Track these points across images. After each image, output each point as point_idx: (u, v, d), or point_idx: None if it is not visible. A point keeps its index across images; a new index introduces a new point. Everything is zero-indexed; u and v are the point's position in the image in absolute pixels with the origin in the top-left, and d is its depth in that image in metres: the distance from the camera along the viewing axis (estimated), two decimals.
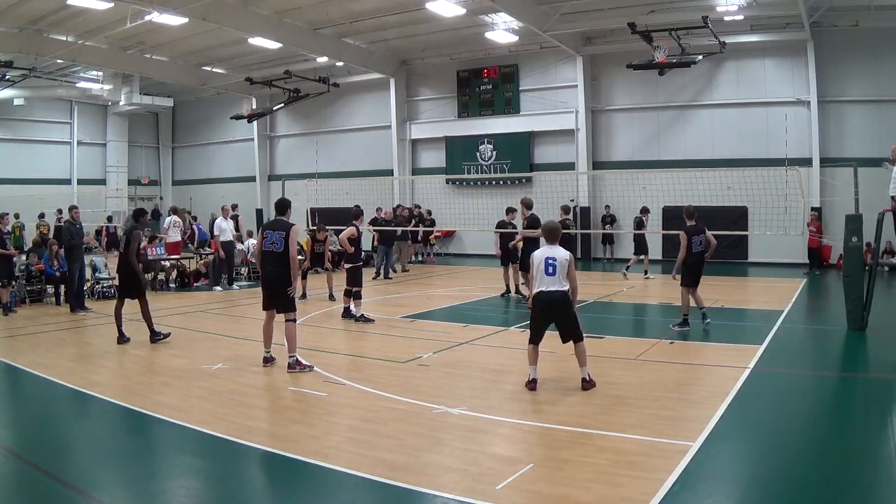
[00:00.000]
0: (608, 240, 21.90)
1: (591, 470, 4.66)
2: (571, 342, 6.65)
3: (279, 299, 7.58)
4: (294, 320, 7.59)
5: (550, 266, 6.50)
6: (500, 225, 14.00)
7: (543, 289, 6.53)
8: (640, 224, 16.90)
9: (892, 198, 9.42)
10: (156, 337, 9.20)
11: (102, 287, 13.77)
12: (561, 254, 6.57)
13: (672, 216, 19.05)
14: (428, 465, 4.85)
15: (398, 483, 4.46)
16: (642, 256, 16.78)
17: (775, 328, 9.88)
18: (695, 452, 4.92)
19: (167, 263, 15.67)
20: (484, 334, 9.73)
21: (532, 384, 6.63)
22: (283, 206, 7.95)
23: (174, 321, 10.99)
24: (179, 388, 6.98)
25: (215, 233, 15.80)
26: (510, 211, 13.84)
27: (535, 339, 6.67)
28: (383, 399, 6.44)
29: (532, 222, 12.25)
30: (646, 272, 16.59)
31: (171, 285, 15.51)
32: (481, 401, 6.38)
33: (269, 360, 7.77)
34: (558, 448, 5.14)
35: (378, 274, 17.05)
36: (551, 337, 9.67)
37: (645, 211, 16.97)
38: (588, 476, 4.55)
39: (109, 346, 9.14)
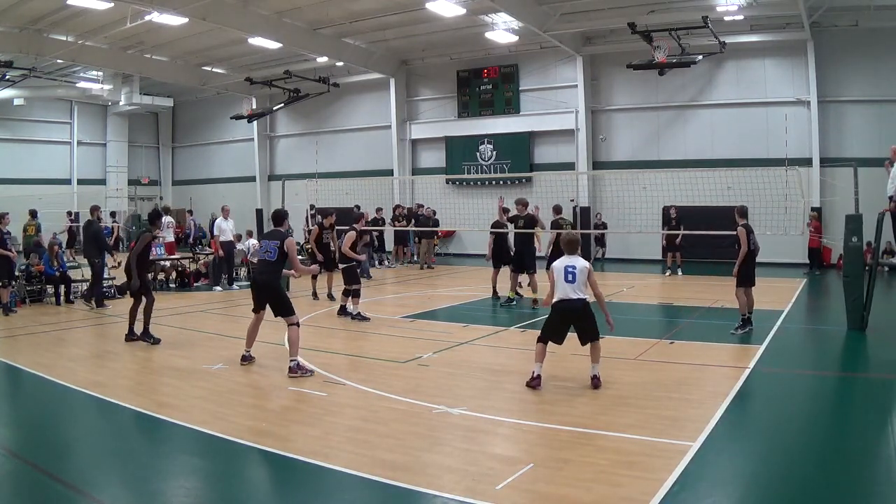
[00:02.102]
0: (600, 242, 21.81)
1: (591, 470, 4.66)
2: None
3: (277, 306, 7.62)
4: (297, 324, 7.54)
5: (570, 274, 6.65)
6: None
7: (564, 297, 6.66)
8: (670, 222, 17.09)
9: (891, 198, 9.42)
10: (130, 336, 9.22)
11: (102, 287, 13.74)
12: (581, 263, 6.75)
13: (672, 217, 19.07)
14: (428, 465, 4.85)
15: (398, 483, 4.46)
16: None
17: (775, 328, 9.88)
18: (695, 452, 4.92)
19: (167, 263, 15.67)
20: (484, 334, 9.73)
21: (536, 381, 6.68)
22: (280, 216, 8.18)
23: (174, 321, 10.99)
24: (179, 388, 6.98)
25: (215, 233, 15.84)
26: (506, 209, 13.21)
27: (545, 339, 6.77)
28: (383, 399, 6.44)
29: (529, 222, 12.26)
30: (671, 268, 17.35)
31: (171, 285, 15.50)
32: (481, 401, 6.38)
33: (247, 359, 7.85)
34: (558, 448, 5.14)
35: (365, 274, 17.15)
36: None
37: (672, 210, 17.10)
38: (588, 476, 4.55)
39: (109, 346, 9.14)
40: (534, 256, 12.43)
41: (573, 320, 6.71)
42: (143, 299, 9.29)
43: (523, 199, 12.58)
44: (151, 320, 9.33)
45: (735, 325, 9.47)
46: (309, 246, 14.57)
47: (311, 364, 7.60)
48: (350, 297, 10.98)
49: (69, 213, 23.28)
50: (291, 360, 7.40)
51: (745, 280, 9.44)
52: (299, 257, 8.41)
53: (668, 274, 17.27)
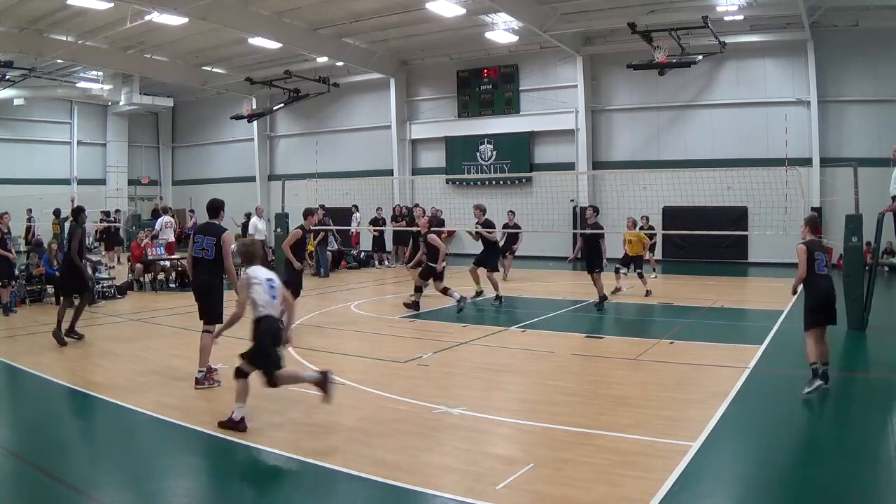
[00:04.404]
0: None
1: (591, 470, 4.66)
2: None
3: (206, 307, 6.96)
4: (210, 332, 6.74)
5: (273, 288, 5.63)
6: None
7: (272, 314, 5.60)
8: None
9: (893, 198, 9.42)
10: (72, 335, 9.15)
11: (102, 287, 13.75)
12: (277, 276, 5.86)
13: (672, 216, 19.07)
14: (428, 465, 4.85)
15: (398, 483, 4.46)
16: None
17: (775, 328, 9.87)
18: (695, 452, 4.92)
19: (167, 263, 15.67)
20: (484, 334, 9.72)
21: (242, 423, 5.47)
22: (215, 208, 7.18)
23: (174, 321, 10.98)
24: (179, 388, 6.97)
25: (250, 231, 16.09)
26: (595, 211, 12.72)
27: (246, 375, 5.52)
28: (383, 399, 6.44)
29: (487, 225, 13.16)
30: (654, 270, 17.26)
31: (171, 285, 15.49)
32: (481, 401, 6.38)
33: (201, 382, 6.87)
34: (558, 448, 5.14)
35: (319, 273, 17.75)
36: (551, 336, 9.69)
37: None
38: (588, 476, 4.55)
39: (109, 346, 9.13)
40: (496, 255, 13.50)
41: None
42: (77, 295, 9.42)
43: (481, 206, 13.37)
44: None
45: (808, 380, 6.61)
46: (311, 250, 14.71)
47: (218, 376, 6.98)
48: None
49: (106, 214, 23.16)
50: (199, 372, 6.80)
51: (811, 317, 6.72)
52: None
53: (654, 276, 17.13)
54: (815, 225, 7.10)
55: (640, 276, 14.20)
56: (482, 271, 12.98)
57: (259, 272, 5.69)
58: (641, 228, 16.59)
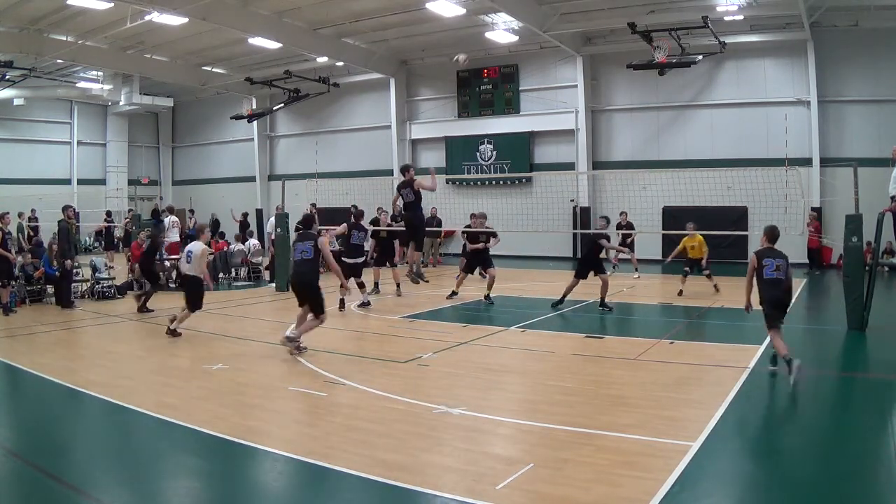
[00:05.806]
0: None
1: (591, 470, 4.66)
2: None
3: (312, 300, 8.43)
4: (320, 321, 8.45)
5: (189, 255, 9.78)
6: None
7: (187, 273, 9.80)
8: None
9: (893, 198, 9.43)
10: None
11: (102, 287, 13.76)
12: (196, 247, 9.80)
13: (672, 217, 19.07)
14: (428, 465, 4.85)
15: (398, 483, 4.46)
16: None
17: None
18: (695, 452, 4.91)
19: (168, 263, 15.65)
20: (484, 334, 9.73)
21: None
22: (308, 221, 9.30)
23: None
24: (179, 388, 6.98)
25: (267, 230, 16.17)
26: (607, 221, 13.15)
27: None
28: (383, 399, 6.44)
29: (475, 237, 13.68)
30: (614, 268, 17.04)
31: (171, 285, 15.47)
32: (481, 401, 6.38)
33: (292, 340, 8.32)
34: (558, 448, 5.14)
35: None
36: (551, 336, 9.69)
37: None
38: (588, 476, 4.55)
39: (110, 346, 9.14)
40: (488, 257, 13.38)
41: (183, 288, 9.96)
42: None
43: (482, 213, 13.96)
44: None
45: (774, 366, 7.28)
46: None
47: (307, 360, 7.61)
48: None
49: (108, 214, 23.15)
50: (295, 333, 8.28)
51: (767, 317, 7.21)
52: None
53: (637, 275, 16.92)
54: (771, 235, 7.76)
55: (709, 276, 14.07)
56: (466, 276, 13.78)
57: (188, 247, 10.04)
58: (619, 225, 16.46)
